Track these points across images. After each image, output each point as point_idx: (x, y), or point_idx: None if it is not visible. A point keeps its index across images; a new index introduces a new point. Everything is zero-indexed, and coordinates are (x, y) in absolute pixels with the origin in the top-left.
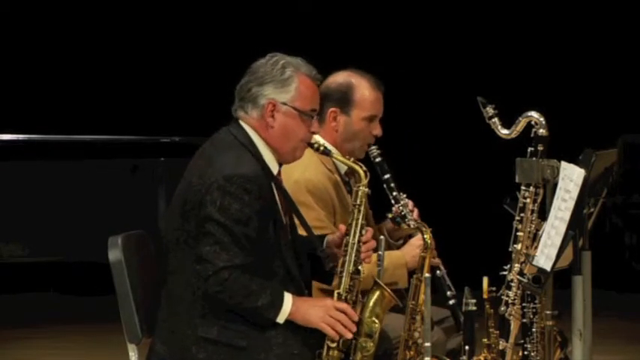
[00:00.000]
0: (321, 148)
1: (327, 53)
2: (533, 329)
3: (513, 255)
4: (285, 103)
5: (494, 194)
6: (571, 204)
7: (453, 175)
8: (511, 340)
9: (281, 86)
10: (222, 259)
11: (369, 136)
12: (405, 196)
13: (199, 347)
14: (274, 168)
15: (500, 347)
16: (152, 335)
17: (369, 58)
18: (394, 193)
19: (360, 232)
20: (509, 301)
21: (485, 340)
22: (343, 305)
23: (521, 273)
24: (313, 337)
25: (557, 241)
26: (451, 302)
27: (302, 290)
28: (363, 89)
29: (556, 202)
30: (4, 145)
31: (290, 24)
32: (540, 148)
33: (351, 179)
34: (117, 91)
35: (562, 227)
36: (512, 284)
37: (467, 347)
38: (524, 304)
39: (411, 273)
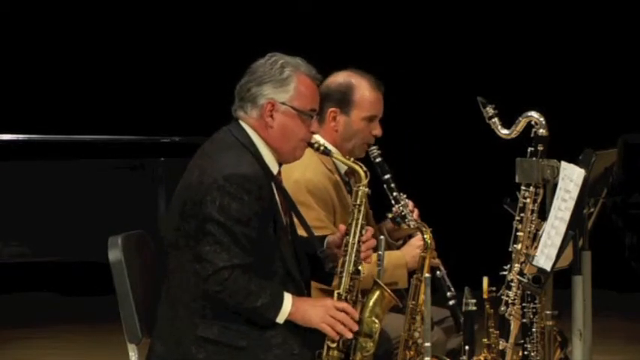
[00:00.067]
0: (321, 147)
1: (327, 53)
2: (533, 329)
3: (513, 255)
4: (284, 103)
5: (494, 194)
6: (571, 204)
7: (453, 175)
8: (511, 340)
9: (280, 86)
10: (222, 259)
11: (368, 136)
12: (405, 196)
13: (199, 347)
14: (274, 168)
15: (500, 347)
16: (152, 335)
17: (369, 58)
18: (394, 194)
19: (360, 232)
20: (509, 301)
21: (485, 340)
22: (343, 304)
23: (521, 273)
24: (313, 337)
25: (557, 241)
26: (451, 303)
27: (302, 290)
28: (363, 89)
29: (556, 202)
30: (4, 145)
31: (290, 24)
32: (540, 148)
33: (351, 179)
34: (117, 91)
35: (562, 227)
36: (512, 284)
37: (467, 347)
38: (524, 304)
39: (411, 273)
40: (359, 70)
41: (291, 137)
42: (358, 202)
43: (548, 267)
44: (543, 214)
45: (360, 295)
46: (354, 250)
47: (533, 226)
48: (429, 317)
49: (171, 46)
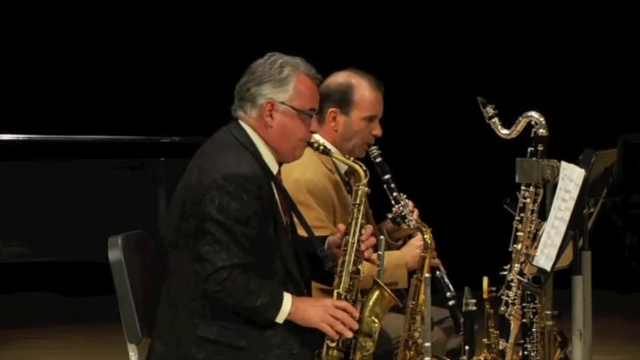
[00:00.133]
0: (321, 147)
1: (327, 53)
2: (533, 329)
3: (513, 255)
4: (283, 103)
5: (494, 194)
6: (571, 204)
7: (453, 175)
8: (511, 340)
9: (279, 85)
10: (222, 259)
11: (368, 136)
12: (405, 196)
13: (199, 347)
14: (274, 168)
15: (500, 347)
16: (152, 335)
17: (369, 58)
18: (394, 194)
19: (360, 231)
20: (509, 301)
21: (485, 340)
22: (343, 303)
23: (521, 273)
24: (312, 336)
25: (557, 241)
26: (450, 303)
27: (302, 290)
28: (363, 89)
29: (556, 202)
30: (4, 145)
31: (290, 24)
32: (540, 148)
33: (350, 179)
34: (117, 91)
35: (562, 227)
36: (512, 284)
37: (467, 347)
38: (524, 304)
39: (411, 273)
40: (359, 70)
41: (291, 137)
42: (358, 201)
43: (548, 267)
44: (543, 214)
45: (359, 295)
46: (354, 249)
47: (533, 226)
48: (429, 317)
49: (171, 46)
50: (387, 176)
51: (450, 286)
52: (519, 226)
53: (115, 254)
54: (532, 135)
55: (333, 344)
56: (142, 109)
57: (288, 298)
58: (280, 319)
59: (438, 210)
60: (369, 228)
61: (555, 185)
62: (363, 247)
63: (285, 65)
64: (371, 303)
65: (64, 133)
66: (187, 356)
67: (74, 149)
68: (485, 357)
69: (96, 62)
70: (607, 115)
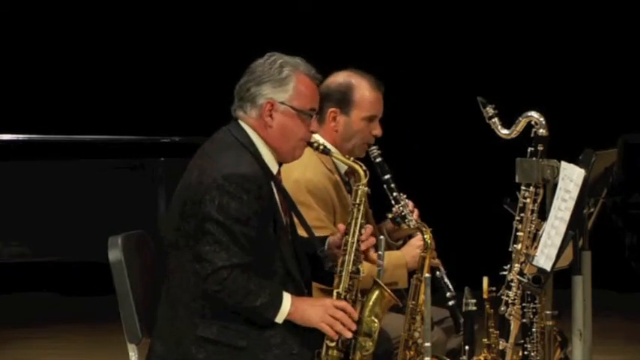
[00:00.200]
0: (321, 147)
1: (327, 53)
2: (533, 329)
3: (513, 255)
4: (283, 103)
5: (494, 194)
6: (571, 204)
7: (453, 175)
8: (511, 340)
9: (279, 85)
10: (221, 259)
11: (368, 137)
12: (405, 196)
13: (199, 347)
14: (274, 167)
15: (500, 347)
16: (152, 335)
17: (369, 58)
18: (394, 194)
19: (360, 231)
20: (509, 301)
21: (485, 340)
22: (342, 303)
23: (521, 273)
24: (312, 336)
25: (557, 241)
26: (450, 303)
27: (302, 290)
28: (363, 89)
29: (556, 202)
30: (4, 145)
31: (290, 24)
32: (540, 148)
33: (350, 179)
34: (117, 91)
35: (562, 227)
36: (512, 284)
37: (467, 347)
38: (524, 304)
39: (411, 273)
40: (359, 70)
41: (291, 137)
42: (357, 201)
43: (548, 267)
44: (543, 214)
45: (359, 295)
46: (354, 249)
47: (533, 226)
48: (429, 317)
49: (171, 46)
50: (387, 176)
51: (450, 286)
52: (519, 226)
53: (115, 254)
54: (532, 135)
55: (333, 344)
56: (142, 109)
57: (287, 298)
58: (280, 319)
59: (438, 210)
60: (369, 228)
61: (555, 185)
62: (363, 246)
63: (285, 65)
64: (371, 303)
65: (64, 133)
66: (187, 356)
67: (74, 149)
68: (485, 357)
69: (96, 62)
70: (607, 115)
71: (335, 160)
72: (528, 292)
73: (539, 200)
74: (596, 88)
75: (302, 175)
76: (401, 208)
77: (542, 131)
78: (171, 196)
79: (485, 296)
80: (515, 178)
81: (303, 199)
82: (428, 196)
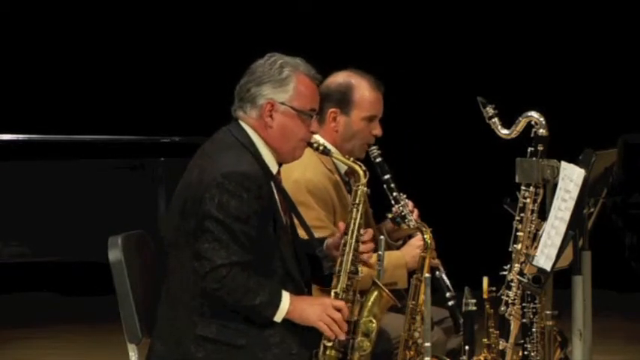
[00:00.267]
0: (321, 147)
1: (327, 53)
2: (533, 329)
3: (513, 255)
4: (283, 103)
5: (494, 194)
6: (571, 204)
7: (453, 175)
8: (511, 340)
9: (279, 86)
10: (221, 257)
11: (368, 137)
12: (405, 196)
13: (198, 346)
14: (274, 168)
15: (500, 347)
16: (152, 335)
17: (369, 58)
18: (394, 194)
19: (359, 231)
20: (509, 301)
21: (485, 340)
22: (341, 303)
23: (521, 273)
24: (311, 336)
25: (557, 241)
26: (450, 303)
27: (301, 290)
28: (363, 89)
29: (556, 202)
30: (4, 145)
31: (290, 24)
32: (540, 148)
33: (350, 179)
34: (117, 91)
35: (562, 227)
36: (512, 284)
37: (467, 347)
38: (524, 304)
39: (411, 273)
40: (359, 70)
41: (291, 137)
42: (357, 201)
43: (548, 267)
44: (543, 214)
45: (358, 295)
46: (352, 249)
47: (533, 226)
48: (429, 317)
49: (171, 46)
50: (387, 176)
51: (450, 286)
52: (519, 226)
53: (115, 254)
54: (532, 135)
55: (330, 344)
56: (142, 109)
57: (286, 297)
58: (279, 317)
59: (438, 210)
60: (369, 231)
61: (555, 185)
62: (362, 248)
63: (285, 66)
64: (369, 303)
65: (64, 133)
66: (186, 355)
67: (74, 149)
68: (485, 357)
69: (96, 62)
70: (607, 115)
71: (335, 160)
72: (528, 292)
73: (539, 200)
74: (596, 88)
75: (302, 175)
76: (401, 208)
77: (542, 131)
78: (171, 196)
79: (485, 296)
80: (515, 178)
81: (303, 199)
82: (428, 196)
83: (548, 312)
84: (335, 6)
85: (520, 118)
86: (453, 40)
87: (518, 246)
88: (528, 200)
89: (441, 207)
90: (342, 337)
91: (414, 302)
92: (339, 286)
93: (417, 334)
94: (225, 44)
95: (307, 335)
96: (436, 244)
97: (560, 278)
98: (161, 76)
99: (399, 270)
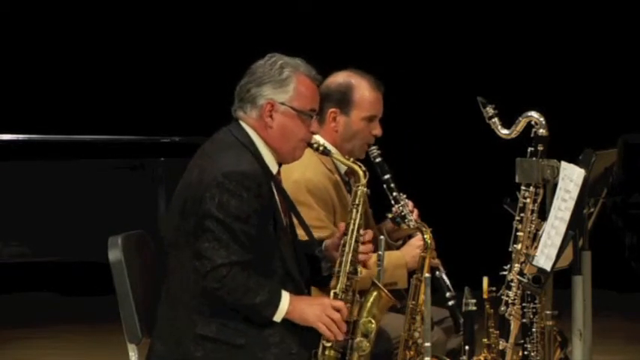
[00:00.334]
0: (321, 147)
1: (327, 53)
2: (533, 329)
3: (513, 255)
4: (283, 103)
5: (494, 194)
6: (571, 204)
7: (453, 175)
8: (511, 340)
9: (279, 86)
10: (221, 256)
11: (368, 137)
12: (405, 196)
13: (197, 345)
14: (274, 168)
15: (500, 347)
16: (152, 335)
17: (369, 58)
18: (394, 194)
19: (358, 231)
20: (509, 301)
21: (485, 340)
22: (340, 304)
23: (521, 273)
24: (310, 336)
25: (557, 241)
26: (450, 303)
27: (301, 290)
28: (363, 89)
29: (556, 202)
30: (4, 145)
31: (290, 24)
32: (540, 148)
33: (351, 179)
34: (117, 91)
35: (562, 227)
36: (512, 284)
37: (467, 347)
38: (524, 304)
39: (411, 273)
40: (359, 70)
41: (291, 137)
42: (357, 201)
43: (548, 267)
44: (543, 214)
45: (357, 295)
46: (352, 249)
47: (533, 226)
48: (429, 317)
49: (171, 46)
50: (387, 176)
51: (450, 286)
52: (519, 226)
53: (115, 254)
54: (532, 135)
55: (329, 344)
56: (142, 109)
57: (286, 297)
58: (278, 317)
59: (438, 210)
60: (369, 233)
61: (555, 185)
62: (361, 248)
63: (285, 66)
64: (369, 304)
65: (64, 133)
66: (186, 354)
67: (74, 149)
68: (485, 357)
69: (96, 62)
70: (607, 115)
71: (335, 161)
72: (528, 292)
73: (539, 200)
74: (596, 88)
75: (302, 175)
76: (401, 208)
77: (542, 131)
78: (172, 196)
79: (485, 296)
80: (515, 178)
81: (303, 199)
82: (428, 196)
83: (548, 312)
84: (335, 6)
85: (520, 118)
86: (452, 40)
87: (518, 246)
88: (528, 200)
89: (441, 207)
90: (341, 337)
91: (414, 302)
92: (339, 286)
93: (417, 334)
94: (226, 44)
95: (307, 335)
96: (436, 244)
97: (560, 278)
98: (161, 76)
99: (399, 270)
